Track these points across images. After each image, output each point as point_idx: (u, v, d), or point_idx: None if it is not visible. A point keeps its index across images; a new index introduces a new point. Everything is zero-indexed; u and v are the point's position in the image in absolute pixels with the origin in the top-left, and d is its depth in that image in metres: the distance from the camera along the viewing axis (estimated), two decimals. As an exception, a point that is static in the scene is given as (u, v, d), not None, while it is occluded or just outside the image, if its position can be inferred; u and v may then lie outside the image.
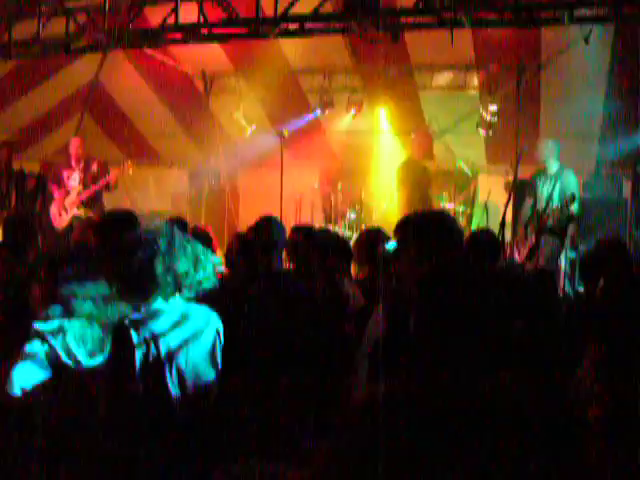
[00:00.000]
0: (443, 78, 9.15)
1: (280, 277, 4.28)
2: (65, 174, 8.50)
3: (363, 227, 8.92)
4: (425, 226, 2.96)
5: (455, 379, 1.96)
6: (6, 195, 9.07)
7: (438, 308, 2.09)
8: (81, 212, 8.34)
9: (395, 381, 2.06)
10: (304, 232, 5.21)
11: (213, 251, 5.61)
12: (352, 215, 9.51)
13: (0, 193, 9.05)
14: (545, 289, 3.80)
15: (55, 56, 8.36)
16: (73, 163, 8.53)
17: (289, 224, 8.05)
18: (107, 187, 8.45)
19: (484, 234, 4.95)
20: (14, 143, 9.58)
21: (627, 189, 8.24)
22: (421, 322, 2.10)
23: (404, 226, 2.98)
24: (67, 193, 8.46)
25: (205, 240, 5.49)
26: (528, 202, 7.53)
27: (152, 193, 11.06)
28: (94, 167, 8.47)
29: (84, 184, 8.42)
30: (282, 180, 7.57)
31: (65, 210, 8.40)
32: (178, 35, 7.32)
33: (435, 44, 7.88)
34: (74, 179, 8.46)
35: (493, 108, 8.62)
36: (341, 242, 5.05)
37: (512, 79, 8.40)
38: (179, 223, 5.61)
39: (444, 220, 3.02)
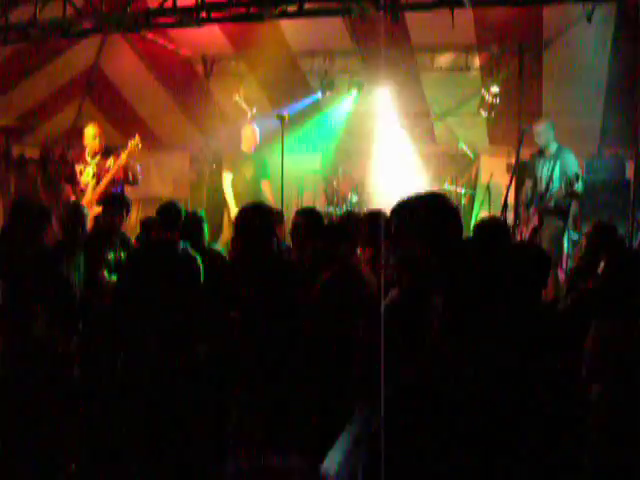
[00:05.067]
0: (444, 59, 9.06)
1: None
2: (77, 169, 7.76)
3: (365, 210, 8.88)
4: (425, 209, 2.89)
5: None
6: (5, 181, 8.98)
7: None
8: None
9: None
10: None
11: (206, 235, 5.57)
12: (354, 198, 9.48)
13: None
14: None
15: (54, 41, 8.30)
16: (87, 157, 7.78)
17: (291, 207, 8.02)
18: (128, 181, 7.72)
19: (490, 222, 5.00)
20: (13, 129, 9.52)
21: (630, 170, 8.19)
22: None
23: (401, 209, 2.89)
24: (82, 192, 7.67)
25: (198, 224, 5.47)
26: (527, 184, 7.47)
27: (153, 177, 11.02)
28: (109, 161, 7.67)
29: (98, 179, 7.64)
30: (283, 163, 7.53)
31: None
32: (176, 18, 7.26)
33: (436, 25, 7.79)
34: (87, 174, 7.70)
35: (495, 89, 8.56)
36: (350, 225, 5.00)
37: (514, 60, 8.35)
38: (173, 208, 5.63)
39: (443, 202, 2.93)
